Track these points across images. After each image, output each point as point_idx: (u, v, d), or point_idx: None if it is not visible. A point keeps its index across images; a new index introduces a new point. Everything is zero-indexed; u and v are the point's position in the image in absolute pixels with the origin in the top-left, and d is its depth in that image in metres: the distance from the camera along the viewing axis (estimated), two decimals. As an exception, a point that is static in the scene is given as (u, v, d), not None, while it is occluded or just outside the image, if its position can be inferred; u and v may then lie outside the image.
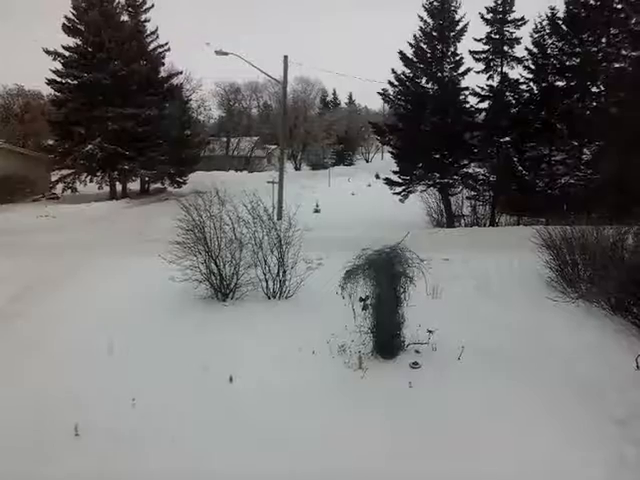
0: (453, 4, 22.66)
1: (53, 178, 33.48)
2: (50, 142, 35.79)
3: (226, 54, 23.57)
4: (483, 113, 23.81)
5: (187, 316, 9.36)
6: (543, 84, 22.42)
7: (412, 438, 5.82)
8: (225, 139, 64.22)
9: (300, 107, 65.53)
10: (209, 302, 10.06)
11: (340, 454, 5.61)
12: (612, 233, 10.05)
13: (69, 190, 32.61)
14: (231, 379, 7.01)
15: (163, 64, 37.37)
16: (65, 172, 32.78)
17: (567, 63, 22.09)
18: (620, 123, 18.47)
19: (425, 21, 22.89)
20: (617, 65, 21.20)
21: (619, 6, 20.98)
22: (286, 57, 24.20)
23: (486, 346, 7.78)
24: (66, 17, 31.77)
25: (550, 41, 22.37)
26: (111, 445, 5.80)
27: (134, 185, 36.65)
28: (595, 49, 21.47)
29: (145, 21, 36.20)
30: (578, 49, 21.76)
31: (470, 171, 23.71)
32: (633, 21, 20.68)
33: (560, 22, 22.07)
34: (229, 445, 5.79)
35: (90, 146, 30.80)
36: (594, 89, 22.05)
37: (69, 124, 31.38)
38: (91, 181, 33.27)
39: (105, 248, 15.72)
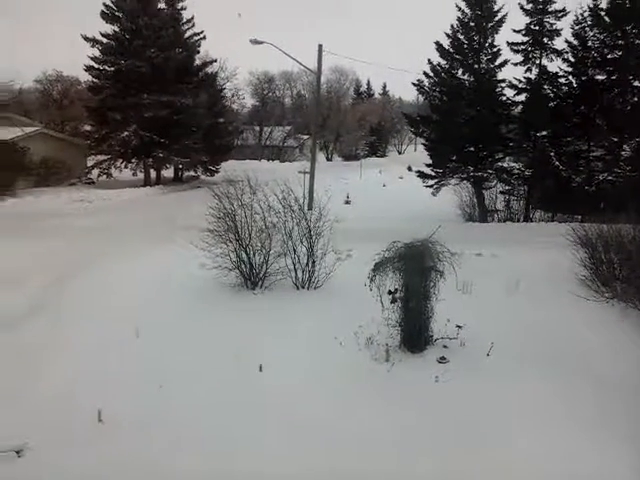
0: (492, -6, 22.18)
1: (89, 163, 34.08)
2: (87, 128, 36.40)
3: (261, 43, 23.57)
4: (520, 106, 23.35)
5: (217, 304, 9.45)
6: (583, 78, 21.83)
7: (437, 433, 5.79)
8: (258, 128, 64.36)
9: (333, 97, 65.36)
10: (238, 290, 10.15)
11: (365, 446, 5.61)
12: (650, 232, 9.78)
13: (104, 176, 33.17)
14: (260, 368, 7.05)
15: (198, 52, 37.56)
16: (101, 158, 33.33)
17: (608, 56, 21.44)
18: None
19: (463, 11, 22.49)
20: (661, 59, 20.52)
21: (666, -3, 20.25)
22: (320, 46, 24.07)
23: (516, 343, 7.68)
24: (104, 4, 32.19)
25: (591, 33, 21.72)
26: (135, 431, 5.92)
27: (168, 172, 37.08)
28: (639, 41, 20.79)
29: (182, 9, 36.35)
30: (621, 41, 21.09)
31: (505, 165, 23.31)
32: (680, 13, 19.96)
33: (603, 13, 21.41)
34: (254, 434, 5.85)
35: (126, 133, 31.23)
36: (636, 83, 21.37)
37: (106, 110, 31.82)
38: (126, 167, 33.78)
39: (138, 234, 15.95)
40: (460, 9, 22.47)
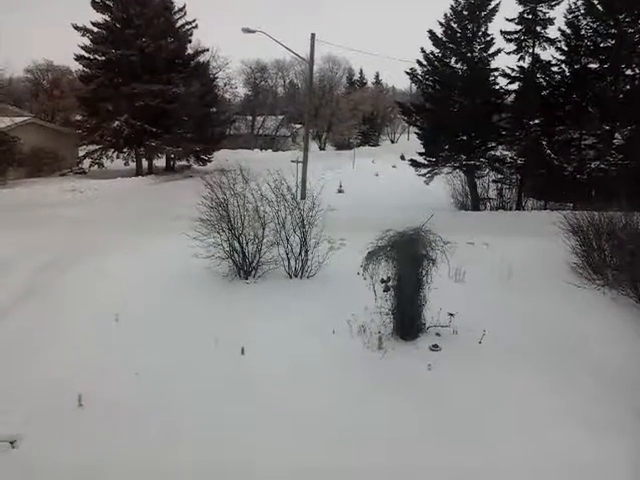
0: (485, -18, 22.08)
1: (80, 153, 33.85)
2: (78, 117, 36.14)
3: (253, 32, 23.42)
4: (512, 95, 23.33)
5: (209, 293, 9.45)
6: (575, 66, 21.80)
7: (429, 420, 5.83)
8: (250, 117, 64.05)
9: (326, 86, 64.98)
10: (231, 279, 10.15)
11: (356, 434, 5.64)
12: (641, 220, 9.83)
13: (96, 165, 32.97)
14: (243, 351, 7.04)
15: (190, 41, 37.26)
16: (92, 147, 33.12)
17: (601, 45, 21.41)
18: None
19: (456, 0, 22.40)
20: (654, 47, 20.52)
21: (659, -15, 20.21)
22: (313, 35, 23.96)
23: (507, 331, 7.72)
24: (95, -7, 31.84)
25: (584, 22, 21.65)
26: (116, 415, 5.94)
27: (160, 162, 36.90)
28: (632, 30, 20.76)
29: (173, -2, 36.06)
30: (614, 30, 21.05)
31: (497, 154, 23.29)
32: (673, 1, 19.94)
33: (595, 2, 21.36)
34: (243, 421, 5.86)
35: (117, 122, 31.01)
36: (628, 72, 21.37)
37: (97, 100, 31.57)
38: (117, 157, 33.59)
39: (130, 223, 15.90)
40: (454, -3, 22.35)
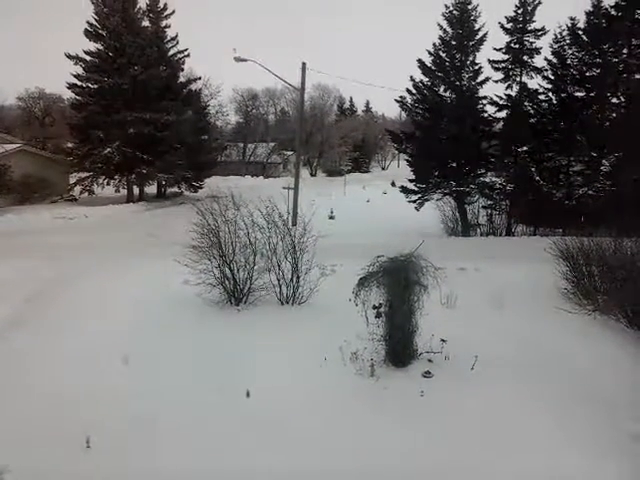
0: (473, 13, 22.62)
1: (71, 180, 33.88)
2: (69, 145, 36.27)
3: (245, 61, 23.75)
4: (501, 122, 23.70)
5: (200, 321, 9.36)
6: (562, 94, 22.27)
7: (422, 447, 5.76)
8: (242, 145, 64.53)
9: (317, 114, 65.73)
10: (222, 306, 10.08)
11: (351, 462, 5.56)
12: (630, 245, 9.91)
13: (87, 192, 33.01)
14: (248, 394, 6.89)
15: (182, 70, 37.81)
16: (83, 175, 33.18)
17: (587, 74, 21.92)
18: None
19: (444, 30, 22.88)
20: (638, 76, 20.98)
21: (641, 17, 20.75)
22: (304, 64, 24.30)
23: (500, 357, 7.69)
24: (88, 22, 32.27)
25: (570, 51, 22.23)
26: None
27: (151, 189, 36.97)
28: (616, 60, 21.27)
29: (165, 27, 36.65)
30: (598, 60, 21.58)
31: (487, 180, 23.59)
32: (655, 32, 20.46)
33: (580, 32, 21.92)
34: (241, 452, 5.77)
35: (108, 149, 31.18)
36: (614, 100, 21.85)
37: (88, 127, 31.77)
38: (108, 184, 33.66)
39: (120, 251, 15.85)
40: (442, 28, 22.87)
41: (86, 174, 33.01)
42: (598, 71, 21.61)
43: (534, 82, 22.87)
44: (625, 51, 21.18)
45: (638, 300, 8.51)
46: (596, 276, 10.10)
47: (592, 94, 21.67)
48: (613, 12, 21.27)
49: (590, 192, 20.66)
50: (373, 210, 29.73)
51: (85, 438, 5.74)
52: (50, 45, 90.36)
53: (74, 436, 5.81)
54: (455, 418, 6.29)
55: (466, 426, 6.13)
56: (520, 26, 22.56)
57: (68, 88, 33.27)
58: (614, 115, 21.88)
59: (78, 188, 33.08)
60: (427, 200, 23.33)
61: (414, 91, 23.45)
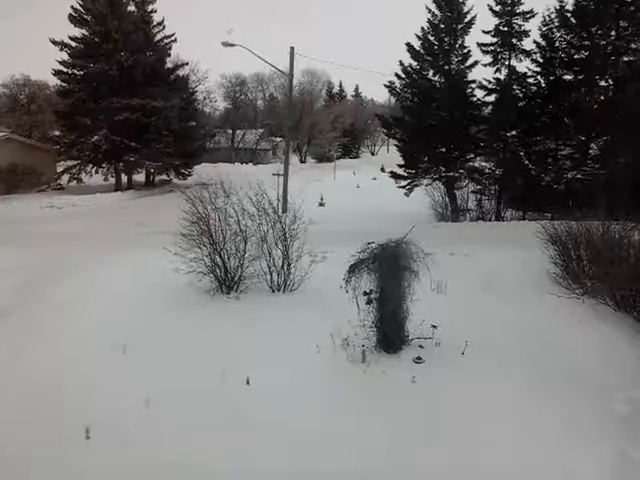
0: (461, -4, 22.47)
1: (59, 169, 33.55)
2: (56, 133, 35.87)
3: (233, 45, 23.52)
4: (490, 106, 23.68)
5: (191, 309, 9.35)
6: (551, 77, 22.25)
7: (414, 433, 5.82)
8: (231, 131, 64.05)
9: (306, 99, 65.35)
10: (213, 295, 10.07)
11: (342, 449, 5.61)
12: (618, 229, 9.98)
13: (74, 181, 32.71)
14: (248, 382, 6.89)
15: (169, 55, 37.30)
16: (71, 163, 32.86)
17: (575, 56, 21.91)
18: (628, 118, 18.32)
19: (433, 13, 22.74)
20: (626, 59, 21.00)
21: (628, -1, 20.73)
22: (292, 48, 24.14)
23: (490, 342, 7.75)
24: (73, 7, 31.75)
25: (558, 34, 22.19)
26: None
27: (139, 177, 36.70)
28: (604, 42, 21.25)
29: (152, 12, 36.08)
30: (587, 42, 21.55)
31: (476, 165, 23.62)
32: (642, 14, 20.43)
33: (569, 15, 21.86)
34: (229, 441, 5.79)
35: (96, 137, 30.84)
36: (602, 83, 21.84)
37: (75, 115, 31.40)
38: (97, 172, 33.38)
39: (108, 239, 15.77)
40: (430, 11, 22.72)
41: (74, 162, 32.69)
42: (586, 54, 21.60)
43: (523, 65, 22.85)
44: (613, 33, 21.15)
45: (626, 283, 8.59)
46: (585, 260, 10.18)
47: (580, 77, 21.68)
48: (601, -6, 21.21)
49: (579, 176, 20.73)
50: (363, 196, 29.69)
51: (84, 428, 5.75)
52: (34, 31, 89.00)
53: (72, 427, 5.83)
54: (446, 404, 6.35)
55: (457, 412, 6.19)
56: (509, 9, 22.44)
57: (54, 75, 32.81)
58: (602, 98, 21.92)
59: (66, 177, 32.77)
60: (417, 185, 23.35)
61: (403, 75, 23.34)
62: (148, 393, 6.44)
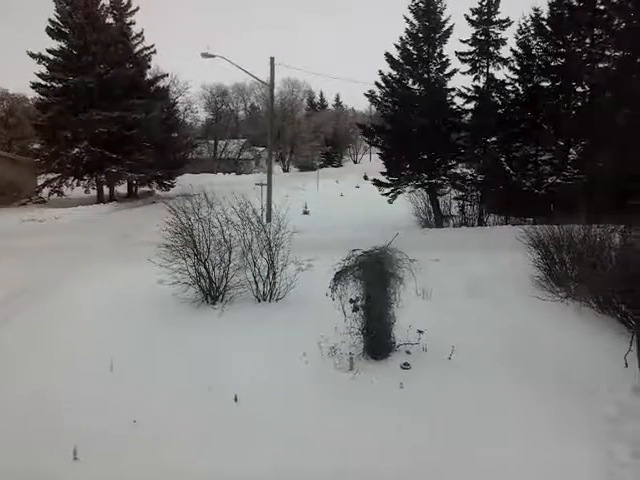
0: (438, 5, 22.69)
1: (39, 182, 33.19)
2: (36, 146, 35.54)
3: (212, 56, 23.51)
4: (469, 114, 23.92)
5: (176, 321, 9.30)
6: (528, 85, 22.57)
7: (404, 439, 5.82)
8: (213, 141, 64.02)
9: (287, 109, 65.62)
10: (198, 305, 10.01)
11: (331, 456, 5.59)
12: (599, 232, 10.12)
13: (56, 194, 32.37)
14: (236, 399, 6.71)
15: (149, 67, 37.33)
16: (51, 176, 32.52)
17: (552, 64, 22.26)
18: (605, 123, 18.62)
19: (411, 22, 22.94)
20: (601, 65, 21.38)
21: (602, 7, 21.14)
22: (272, 59, 24.19)
23: (476, 346, 7.81)
24: (50, 20, 31.56)
25: (535, 42, 22.53)
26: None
27: (121, 188, 36.46)
28: (579, 49, 21.64)
29: (130, 24, 36.09)
30: (562, 49, 21.93)
31: (458, 171, 23.79)
32: (615, 22, 20.84)
33: (544, 23, 22.23)
34: (220, 450, 5.76)
35: (76, 149, 30.60)
36: (579, 89, 22.23)
37: (55, 128, 31.13)
38: (78, 185, 33.07)
39: (91, 252, 15.61)
40: (408, 21, 22.91)
41: (54, 175, 32.37)
42: (562, 61, 21.97)
43: (501, 73, 23.17)
44: (588, 41, 21.55)
45: (608, 286, 8.70)
46: (567, 263, 10.30)
47: (557, 84, 22.03)
48: (575, 3, 21.62)
49: (559, 180, 21.02)
50: (347, 204, 29.78)
51: (71, 448, 5.63)
52: (11, 44, 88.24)
53: (59, 447, 5.74)
54: (434, 408, 6.37)
55: (445, 416, 6.21)
56: (485, 17, 22.77)
57: (32, 88, 32.53)
58: (579, 104, 22.28)
59: (47, 190, 32.42)
60: (400, 193, 23.46)
61: (383, 84, 23.49)
62: (135, 413, 6.31)
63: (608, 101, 19.85)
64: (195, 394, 6.81)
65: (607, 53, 21.19)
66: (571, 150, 21.80)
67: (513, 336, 8.21)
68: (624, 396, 6.44)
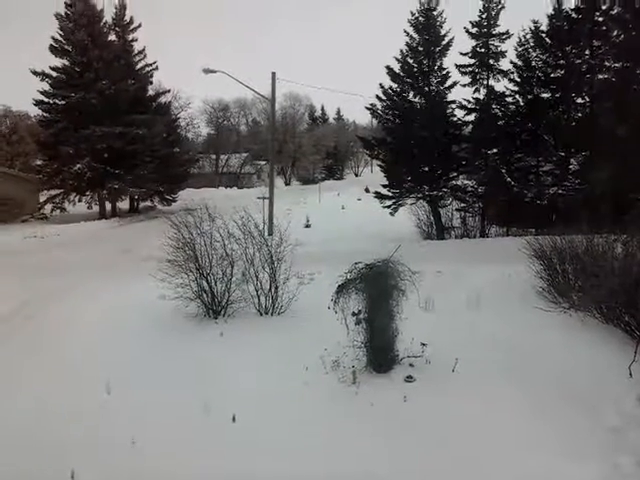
0: (438, 19, 22.89)
1: (42, 198, 33.30)
2: (38, 162, 35.71)
3: (214, 72, 23.68)
4: (470, 126, 24.00)
5: (178, 336, 9.25)
6: (529, 96, 22.64)
7: (408, 453, 5.77)
8: (214, 156, 64.25)
9: (289, 123, 65.91)
10: (201, 320, 9.99)
11: (336, 471, 5.54)
12: (601, 242, 10.08)
13: (58, 210, 32.47)
14: (234, 419, 6.68)
15: (151, 83, 37.60)
16: (54, 192, 32.65)
17: (552, 75, 22.34)
18: (605, 133, 18.66)
19: (411, 36, 23.11)
20: (601, 76, 21.47)
21: (600, 19, 21.27)
22: (274, 74, 24.36)
23: (480, 358, 7.75)
24: (53, 38, 31.86)
25: (534, 54, 22.65)
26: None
27: (123, 204, 36.56)
28: (579, 61, 21.73)
29: (132, 40, 36.44)
30: (562, 61, 22.02)
31: (459, 183, 23.82)
32: (614, 33, 20.96)
33: (544, 35, 22.36)
34: (224, 462, 5.71)
35: (79, 165, 30.76)
36: (579, 100, 22.30)
37: (57, 144, 31.31)
38: (80, 201, 33.20)
39: (94, 268, 15.61)
40: (408, 34, 23.08)
41: (57, 191, 32.50)
42: (562, 72, 22.05)
43: (501, 85, 23.29)
44: (587, 52, 21.65)
45: (611, 296, 8.65)
46: (570, 274, 10.25)
47: (558, 95, 22.10)
48: (574, 15, 21.75)
49: (560, 191, 21.01)
50: (348, 217, 29.79)
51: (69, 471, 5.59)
52: (14, 62, 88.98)
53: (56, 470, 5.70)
54: (439, 422, 6.32)
55: (450, 430, 6.16)
56: (485, 30, 22.94)
57: (35, 105, 32.80)
58: (579, 115, 22.34)
59: (49, 206, 32.53)
60: (401, 205, 23.48)
61: (384, 97, 23.61)
62: (134, 434, 6.24)
63: (608, 112, 19.90)
64: (193, 416, 6.70)
65: (606, 64, 21.29)
66: (572, 161, 21.81)
67: (517, 347, 8.16)
68: (629, 407, 6.39)
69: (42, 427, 6.49)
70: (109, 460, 5.86)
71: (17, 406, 7.06)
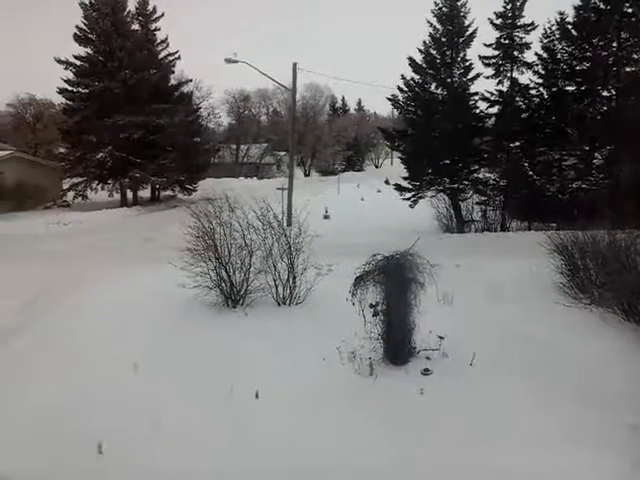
0: (462, 10, 22.63)
1: (64, 186, 33.71)
2: (62, 150, 36.12)
3: (236, 62, 23.68)
4: (493, 118, 23.76)
5: (198, 324, 9.34)
6: (553, 89, 22.34)
7: (423, 445, 5.77)
8: (235, 146, 64.41)
9: (309, 114, 65.76)
10: (219, 309, 10.06)
11: (352, 463, 5.56)
12: (624, 237, 9.95)
13: (80, 198, 32.83)
14: (257, 395, 6.80)
15: (173, 72, 37.73)
16: (76, 180, 33.00)
17: (577, 68, 22.00)
18: (631, 127, 18.33)
19: (434, 27, 22.89)
20: (628, 69, 21.07)
21: (630, 10, 20.84)
22: (295, 64, 24.29)
23: (498, 352, 7.71)
24: (77, 27, 32.12)
25: (560, 46, 22.31)
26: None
27: (145, 192, 36.86)
28: (606, 53, 21.34)
29: (155, 30, 36.61)
30: (588, 53, 21.66)
31: (480, 176, 23.63)
32: (644, 24, 20.54)
33: (570, 27, 22.00)
34: (239, 452, 5.77)
35: (101, 154, 31.06)
36: (605, 93, 21.92)
37: (80, 132, 31.64)
38: (102, 189, 33.50)
39: (115, 255, 15.81)
40: (432, 25, 22.87)
41: (79, 179, 32.86)
42: (588, 65, 21.69)
43: (525, 77, 23.07)
44: (615, 44, 21.24)
45: (633, 292, 8.54)
46: (591, 269, 10.14)
47: (583, 88, 21.76)
48: (602, 6, 21.33)
49: (583, 186, 20.73)
50: (368, 209, 29.70)
51: (96, 443, 5.72)
52: (39, 50, 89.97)
53: (84, 441, 5.80)
54: (456, 415, 6.30)
55: (467, 423, 6.14)
56: (509, 22, 22.64)
57: (59, 93, 33.10)
58: (605, 108, 21.96)
59: (71, 193, 32.92)
60: (421, 197, 23.37)
61: (405, 89, 23.45)
62: (158, 412, 6.38)
63: (635, 105, 19.53)
64: (215, 397, 6.82)
65: (634, 56, 20.90)
66: (596, 155, 21.49)
67: (536, 343, 8.09)
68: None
69: (67, 408, 6.62)
70: (139, 437, 5.98)
71: (41, 389, 7.19)
